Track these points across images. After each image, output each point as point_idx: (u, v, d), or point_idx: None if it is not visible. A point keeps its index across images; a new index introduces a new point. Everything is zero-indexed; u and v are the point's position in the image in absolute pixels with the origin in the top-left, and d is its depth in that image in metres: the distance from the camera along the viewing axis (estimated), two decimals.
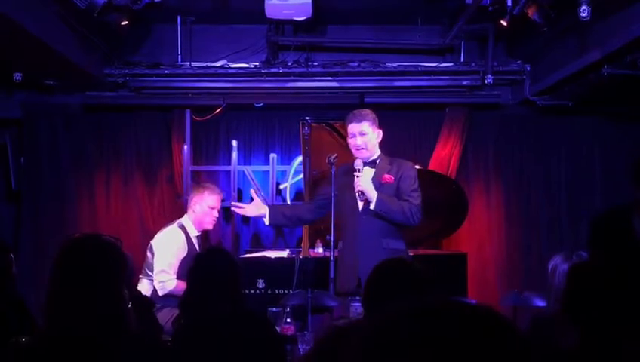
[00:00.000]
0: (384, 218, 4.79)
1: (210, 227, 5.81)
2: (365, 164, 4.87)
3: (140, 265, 5.60)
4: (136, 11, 5.52)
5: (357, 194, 4.77)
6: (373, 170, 4.84)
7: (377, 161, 4.90)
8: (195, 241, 5.66)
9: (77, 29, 5.68)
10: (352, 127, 4.85)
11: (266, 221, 5.05)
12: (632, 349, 2.19)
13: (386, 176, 4.83)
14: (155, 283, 5.44)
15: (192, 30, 6.70)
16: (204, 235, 6.04)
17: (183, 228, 5.63)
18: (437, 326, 1.04)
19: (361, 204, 4.84)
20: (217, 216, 5.83)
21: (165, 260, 5.47)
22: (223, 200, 6.92)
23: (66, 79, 6.53)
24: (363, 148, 4.83)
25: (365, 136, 4.83)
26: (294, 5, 5.60)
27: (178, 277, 5.42)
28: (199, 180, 7.02)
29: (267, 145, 7.18)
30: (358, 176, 4.74)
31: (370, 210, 4.77)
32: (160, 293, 5.41)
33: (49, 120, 7.06)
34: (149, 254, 5.56)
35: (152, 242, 5.61)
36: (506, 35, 6.41)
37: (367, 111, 4.93)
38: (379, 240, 4.79)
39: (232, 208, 5.41)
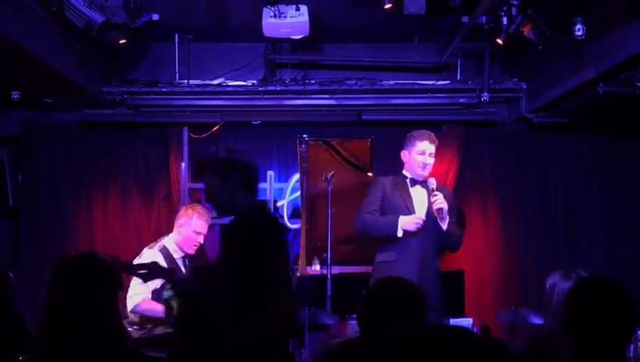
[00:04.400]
0: (447, 239, 4.88)
1: (192, 252, 5.43)
2: (416, 182, 4.96)
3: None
4: (134, 30, 5.53)
5: (435, 211, 4.86)
6: (424, 190, 4.94)
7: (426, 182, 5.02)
8: (179, 262, 5.37)
9: (75, 47, 5.70)
10: (425, 146, 5.01)
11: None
12: None
13: None
14: (128, 298, 5.20)
15: (190, 48, 6.71)
16: (198, 253, 5.93)
17: (164, 250, 5.34)
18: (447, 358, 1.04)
19: (421, 221, 4.91)
20: (202, 241, 5.47)
21: (136, 280, 5.12)
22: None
23: (64, 97, 6.54)
24: (428, 169, 4.94)
25: (432, 158, 4.95)
26: (291, 24, 5.62)
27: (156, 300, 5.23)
28: (197, 197, 7.02)
29: (264, 162, 7.17)
30: (437, 195, 4.83)
31: (432, 228, 4.87)
32: (128, 308, 5.16)
33: (47, 137, 7.07)
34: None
35: (134, 261, 5.42)
36: (502, 53, 6.44)
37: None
38: (433, 258, 4.93)
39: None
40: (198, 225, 5.38)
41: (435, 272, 4.90)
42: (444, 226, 4.86)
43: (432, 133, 5.13)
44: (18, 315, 3.96)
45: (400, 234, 4.87)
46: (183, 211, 5.55)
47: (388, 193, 5.02)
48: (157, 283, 5.29)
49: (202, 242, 5.50)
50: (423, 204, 4.95)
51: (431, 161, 5.02)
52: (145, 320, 5.22)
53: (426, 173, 5.01)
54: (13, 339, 3.62)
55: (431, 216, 4.90)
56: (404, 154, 5.09)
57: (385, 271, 4.80)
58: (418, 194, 5.00)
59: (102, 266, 2.61)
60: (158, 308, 4.99)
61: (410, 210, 4.95)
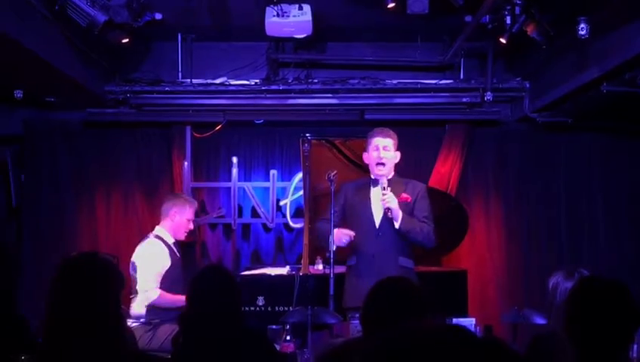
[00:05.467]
0: (405, 237, 4.85)
1: (183, 238, 5.66)
2: (377, 183, 4.93)
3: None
4: (137, 29, 5.53)
5: (384, 210, 4.82)
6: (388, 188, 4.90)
7: (392, 180, 4.97)
8: (174, 248, 5.55)
9: (78, 46, 5.71)
10: (377, 141, 4.95)
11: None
12: None
13: (404, 195, 4.89)
14: (140, 294, 5.33)
15: (193, 47, 6.72)
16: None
17: (159, 238, 5.52)
18: (445, 357, 1.04)
19: (378, 221, 4.90)
20: (192, 227, 5.75)
21: (147, 272, 5.34)
22: (222, 217, 6.97)
23: (67, 96, 6.54)
24: (383, 164, 4.90)
25: (388, 152, 4.93)
26: (294, 23, 5.62)
27: (165, 289, 5.34)
28: (200, 197, 7.02)
29: (267, 161, 7.19)
30: (385, 193, 4.77)
31: (390, 227, 4.82)
32: (144, 304, 5.30)
33: (50, 136, 7.07)
34: (132, 272, 5.41)
35: (132, 258, 5.47)
36: (505, 52, 6.43)
37: (392, 131, 5.05)
38: (395, 258, 4.87)
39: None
40: (190, 213, 5.66)
41: (401, 272, 4.73)
42: (397, 225, 4.83)
43: (386, 128, 5.06)
44: (21, 316, 3.95)
45: (333, 248, 4.82)
46: (171, 201, 5.72)
47: (349, 197, 5.03)
48: (161, 272, 5.35)
49: (192, 228, 5.78)
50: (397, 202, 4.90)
51: (387, 155, 4.93)
52: (155, 313, 5.31)
53: (383, 169, 4.92)
54: (16, 340, 3.62)
55: (387, 215, 4.86)
56: (365, 156, 5.07)
57: (350, 275, 4.98)
58: (378, 195, 4.94)
59: (104, 266, 2.61)
60: (177, 298, 5.15)
61: (369, 211, 4.95)
